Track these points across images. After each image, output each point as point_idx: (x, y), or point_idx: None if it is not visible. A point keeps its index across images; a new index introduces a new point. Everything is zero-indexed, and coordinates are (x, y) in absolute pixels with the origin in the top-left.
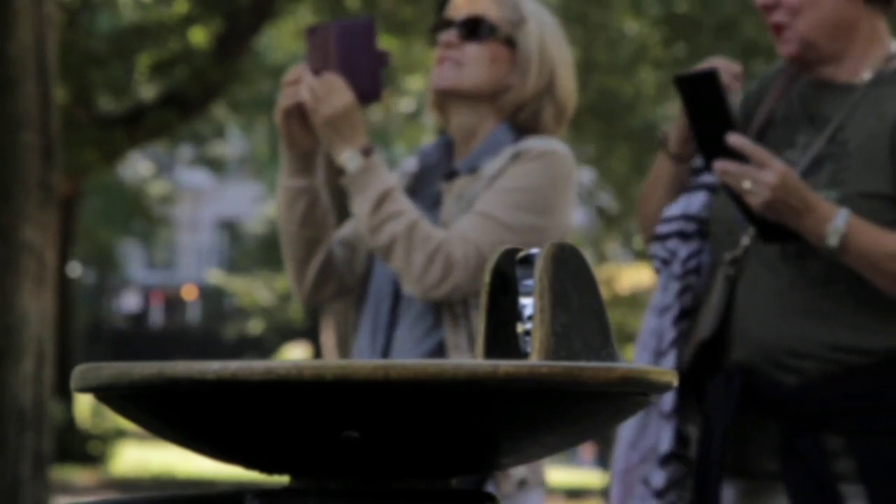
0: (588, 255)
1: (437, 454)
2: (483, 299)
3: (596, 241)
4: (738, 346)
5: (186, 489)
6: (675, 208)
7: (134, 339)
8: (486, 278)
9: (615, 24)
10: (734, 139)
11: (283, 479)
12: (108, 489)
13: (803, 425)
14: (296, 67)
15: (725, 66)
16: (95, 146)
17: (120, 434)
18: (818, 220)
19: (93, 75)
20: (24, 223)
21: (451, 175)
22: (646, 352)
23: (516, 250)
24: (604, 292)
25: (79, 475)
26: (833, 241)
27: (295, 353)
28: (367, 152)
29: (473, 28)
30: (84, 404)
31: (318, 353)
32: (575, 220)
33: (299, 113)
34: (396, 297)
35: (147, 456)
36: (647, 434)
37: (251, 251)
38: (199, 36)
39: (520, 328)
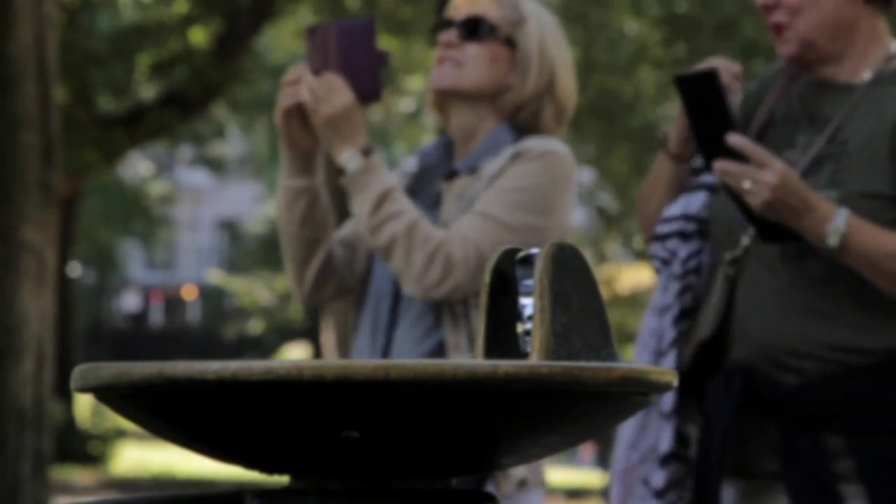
0: (588, 255)
1: (437, 454)
2: (483, 299)
3: (596, 241)
4: (738, 346)
5: (186, 489)
6: (675, 208)
7: (134, 339)
8: (486, 278)
9: (615, 24)
10: (734, 139)
11: (283, 479)
12: (108, 489)
13: (803, 425)
14: (296, 67)
15: (725, 66)
16: (95, 146)
17: (120, 434)
18: (818, 220)
19: (93, 75)
20: (24, 223)
21: (451, 175)
22: (646, 352)
23: (516, 250)
24: (604, 292)
25: (79, 475)
26: (833, 241)
27: (295, 353)
28: (367, 152)
29: (473, 28)
30: (84, 404)
31: (318, 353)
32: (575, 220)
33: (299, 113)
34: (396, 297)
35: (147, 456)
36: (647, 434)
37: (251, 251)
38: (199, 36)
39: (520, 328)
